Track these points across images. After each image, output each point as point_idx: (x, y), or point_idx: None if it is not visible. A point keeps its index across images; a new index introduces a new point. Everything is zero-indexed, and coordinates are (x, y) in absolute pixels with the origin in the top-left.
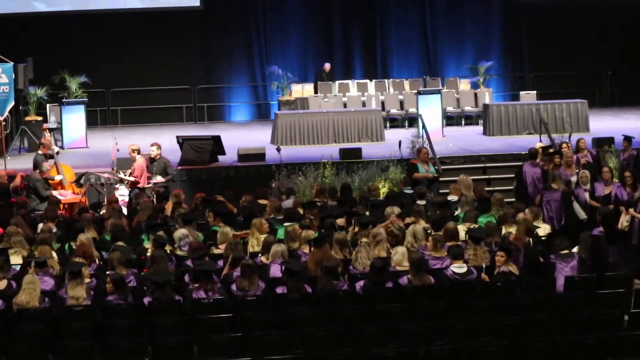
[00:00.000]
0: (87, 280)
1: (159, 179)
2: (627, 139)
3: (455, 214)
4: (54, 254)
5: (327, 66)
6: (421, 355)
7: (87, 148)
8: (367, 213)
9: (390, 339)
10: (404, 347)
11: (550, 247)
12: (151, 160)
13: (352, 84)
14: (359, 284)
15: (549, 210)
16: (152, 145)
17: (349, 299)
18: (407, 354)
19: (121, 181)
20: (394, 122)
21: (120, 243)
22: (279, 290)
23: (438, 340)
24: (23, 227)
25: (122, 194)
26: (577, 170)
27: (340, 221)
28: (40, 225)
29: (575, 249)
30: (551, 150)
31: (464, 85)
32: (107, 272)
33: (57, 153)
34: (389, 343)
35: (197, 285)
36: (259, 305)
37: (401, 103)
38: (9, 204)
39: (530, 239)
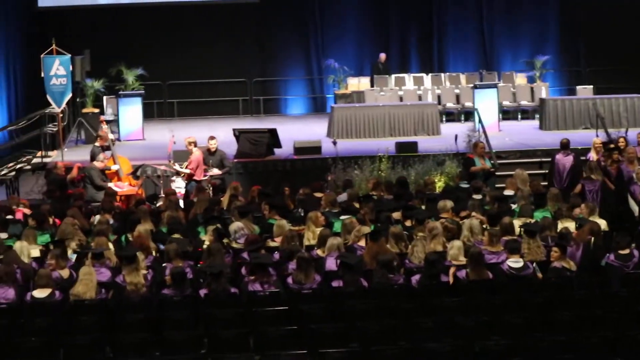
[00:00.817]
0: (143, 272)
1: (215, 171)
2: None
3: (511, 209)
4: (111, 246)
5: (383, 56)
6: (477, 350)
7: (144, 140)
8: (423, 207)
9: (445, 333)
10: (459, 342)
11: (608, 243)
12: (209, 153)
13: (409, 78)
14: (415, 278)
15: (590, 200)
16: (210, 138)
17: (405, 293)
18: (463, 348)
19: (177, 173)
20: (450, 116)
21: (176, 235)
22: (335, 283)
23: (494, 335)
24: (79, 218)
25: (179, 186)
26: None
27: (397, 215)
28: (97, 217)
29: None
30: (612, 146)
31: (521, 79)
32: (164, 264)
33: (113, 142)
34: (444, 337)
35: (252, 277)
36: (315, 298)
37: (457, 97)
38: (66, 196)
39: (592, 238)
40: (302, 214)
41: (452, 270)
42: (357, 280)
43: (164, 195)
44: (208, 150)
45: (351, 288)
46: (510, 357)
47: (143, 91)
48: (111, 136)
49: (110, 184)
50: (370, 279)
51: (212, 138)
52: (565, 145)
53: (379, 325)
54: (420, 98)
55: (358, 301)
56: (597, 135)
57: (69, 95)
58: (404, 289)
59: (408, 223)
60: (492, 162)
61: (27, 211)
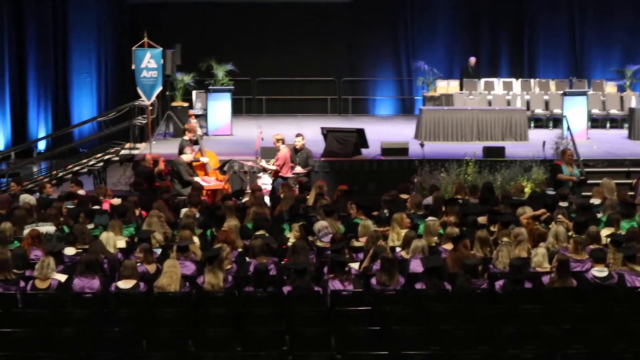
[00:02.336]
0: (228, 266)
1: (298, 169)
2: None
3: (597, 218)
4: (196, 240)
5: (473, 60)
6: (558, 358)
7: (232, 136)
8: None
9: (527, 340)
10: (541, 350)
11: None
12: (295, 150)
13: (498, 82)
14: (499, 284)
15: None
16: (297, 135)
17: (488, 298)
18: (544, 356)
19: (264, 170)
20: (538, 122)
21: (261, 232)
22: (418, 286)
23: (576, 344)
24: (164, 211)
25: (265, 182)
26: None
27: (482, 219)
28: (184, 210)
29: None
30: None
31: (610, 87)
32: (248, 260)
33: (201, 137)
34: (526, 345)
35: (332, 275)
36: (398, 300)
37: (546, 103)
38: (153, 188)
39: None
40: (388, 215)
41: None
42: (440, 284)
43: (250, 191)
44: (294, 147)
45: (434, 291)
46: None
47: (232, 87)
48: (199, 131)
49: (197, 178)
50: (454, 282)
51: (298, 135)
52: None
53: (461, 329)
54: (509, 103)
55: (441, 304)
56: None
57: (159, 89)
58: (487, 293)
59: (493, 228)
60: (579, 170)
61: (114, 202)
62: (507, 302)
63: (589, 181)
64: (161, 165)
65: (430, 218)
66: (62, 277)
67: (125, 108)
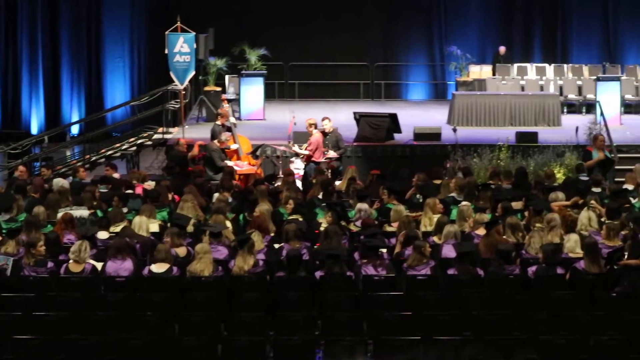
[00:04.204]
0: (259, 247)
1: (332, 153)
2: None
3: (630, 203)
4: (228, 224)
5: (502, 49)
6: (591, 344)
7: (264, 120)
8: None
9: (560, 326)
10: (574, 335)
11: None
12: (324, 134)
13: (531, 68)
14: (531, 269)
15: None
16: (324, 119)
17: (520, 283)
18: (577, 342)
19: (296, 154)
20: (571, 108)
21: (294, 216)
22: (450, 271)
23: (609, 331)
24: (196, 195)
25: (297, 167)
26: None
27: (515, 204)
28: (216, 195)
29: None
30: None
31: None
32: (281, 244)
33: (234, 125)
34: (559, 330)
35: (365, 261)
36: (430, 285)
37: (579, 88)
38: (186, 173)
39: None
40: (420, 200)
41: None
42: (472, 269)
43: (282, 176)
44: (323, 131)
45: (466, 276)
46: (625, 354)
47: (265, 71)
48: (232, 119)
49: (229, 163)
50: (486, 268)
51: (325, 119)
52: None
53: (493, 314)
54: (542, 88)
55: (473, 290)
56: None
57: (192, 73)
58: (520, 279)
59: (527, 214)
60: (611, 155)
61: (147, 186)
62: (539, 287)
63: (622, 167)
64: (195, 150)
65: (463, 203)
66: (98, 265)
67: (158, 92)
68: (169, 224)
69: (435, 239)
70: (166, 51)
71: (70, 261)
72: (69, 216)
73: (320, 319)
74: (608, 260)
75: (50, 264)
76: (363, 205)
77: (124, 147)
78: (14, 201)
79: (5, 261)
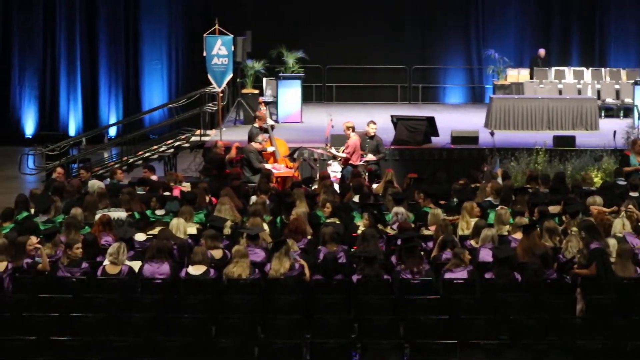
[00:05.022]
0: (295, 250)
1: (370, 157)
2: None
3: None
4: (265, 227)
5: (542, 52)
6: (628, 349)
7: (302, 123)
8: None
9: (597, 330)
10: (611, 340)
11: None
12: (367, 136)
13: (568, 71)
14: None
15: None
16: (371, 122)
17: (557, 287)
18: (614, 347)
19: (334, 157)
20: (609, 112)
21: (331, 219)
22: (488, 275)
23: None
24: (233, 198)
25: (334, 170)
26: None
27: (552, 209)
28: (253, 198)
29: None
30: None
31: None
32: (318, 247)
33: (272, 127)
34: (595, 335)
35: (403, 265)
36: (467, 289)
37: (617, 92)
38: (224, 175)
39: None
40: (457, 204)
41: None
42: (509, 273)
43: (319, 179)
44: (366, 134)
45: (504, 280)
46: None
47: (303, 74)
48: (270, 121)
49: (267, 166)
50: (523, 272)
51: (372, 122)
52: None
53: (530, 318)
54: (579, 92)
55: (510, 294)
56: None
57: (230, 76)
58: (557, 283)
59: (565, 218)
60: None
61: (184, 188)
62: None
63: None
64: (233, 153)
65: (501, 207)
66: (135, 265)
67: (196, 95)
68: (207, 225)
69: (472, 242)
70: (204, 53)
71: (108, 263)
72: (107, 218)
73: (357, 323)
74: (560, 269)
75: (84, 265)
76: (400, 209)
77: (161, 149)
78: (52, 203)
79: None
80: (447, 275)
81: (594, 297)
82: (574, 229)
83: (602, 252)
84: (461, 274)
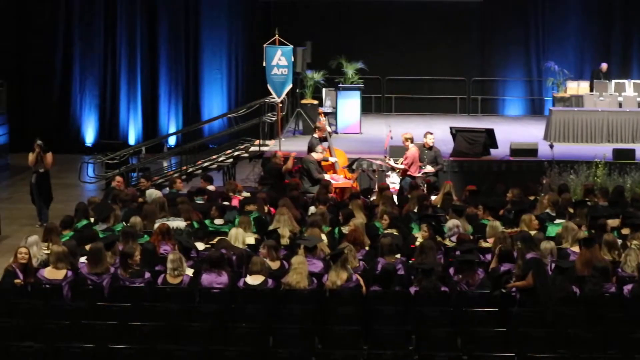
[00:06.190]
0: (355, 265)
1: (428, 168)
2: None
3: None
4: (324, 237)
5: (604, 66)
6: None
7: (361, 134)
8: None
9: None
10: None
11: None
12: (426, 148)
13: (629, 84)
14: (627, 288)
15: None
16: (428, 133)
17: (616, 302)
18: None
19: (392, 169)
20: None
21: (390, 230)
22: None
23: None
24: (291, 208)
25: (393, 181)
26: None
27: (611, 222)
28: (312, 208)
29: None
30: None
31: None
32: (377, 259)
33: (330, 134)
34: None
35: (460, 276)
36: (525, 302)
37: None
38: (282, 185)
39: None
40: (515, 216)
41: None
42: (568, 286)
43: (377, 190)
44: (424, 145)
45: (562, 294)
46: None
47: (362, 85)
48: (329, 129)
49: (326, 176)
50: (582, 285)
51: (429, 133)
52: None
53: (589, 332)
54: (639, 105)
55: (568, 307)
56: None
57: (289, 86)
58: (616, 297)
59: (625, 231)
60: None
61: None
62: (635, 306)
63: None
64: (290, 163)
65: (559, 220)
66: (190, 271)
67: (255, 105)
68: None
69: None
70: (264, 64)
71: (168, 272)
72: (166, 227)
73: (415, 334)
74: (496, 282)
75: (147, 275)
76: (456, 222)
77: (220, 158)
78: (111, 211)
79: None
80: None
81: None
82: (635, 242)
83: (539, 262)
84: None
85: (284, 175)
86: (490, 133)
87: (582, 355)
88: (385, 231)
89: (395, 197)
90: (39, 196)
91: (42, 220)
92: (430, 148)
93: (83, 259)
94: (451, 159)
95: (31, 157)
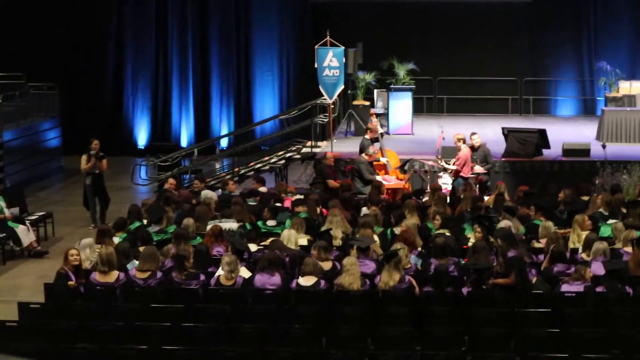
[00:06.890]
0: (407, 266)
1: (478, 168)
2: None
3: None
4: (376, 238)
5: None
6: None
7: (412, 135)
8: None
9: None
10: None
11: None
12: (472, 148)
13: None
14: None
15: None
16: (473, 134)
17: None
18: None
19: (444, 169)
20: None
21: (442, 231)
22: (599, 289)
23: None
24: (341, 209)
25: (445, 182)
26: None
27: None
28: (364, 209)
29: None
30: None
31: None
32: (430, 260)
33: (382, 135)
34: None
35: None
36: (578, 302)
37: None
38: (334, 186)
39: None
40: (567, 216)
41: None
42: (621, 287)
43: (430, 191)
44: (471, 146)
45: (615, 294)
46: None
47: (414, 86)
48: (380, 129)
49: (378, 177)
50: (635, 286)
51: (474, 134)
52: None
53: None
54: None
55: (621, 308)
56: None
57: (341, 87)
58: None
59: None
60: None
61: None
62: None
63: None
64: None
65: (612, 220)
66: (247, 274)
67: (307, 106)
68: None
69: (583, 255)
70: (315, 65)
71: (222, 274)
72: (218, 229)
73: (468, 335)
74: (477, 280)
75: (202, 277)
76: (507, 222)
77: (272, 160)
78: (164, 213)
79: None
80: (563, 288)
81: None
82: None
83: (520, 260)
84: (577, 287)
85: (336, 176)
86: (542, 133)
87: (635, 356)
88: (438, 232)
89: (447, 198)
90: (98, 198)
91: (96, 221)
92: (477, 148)
93: (135, 261)
94: (503, 159)
95: (84, 163)
